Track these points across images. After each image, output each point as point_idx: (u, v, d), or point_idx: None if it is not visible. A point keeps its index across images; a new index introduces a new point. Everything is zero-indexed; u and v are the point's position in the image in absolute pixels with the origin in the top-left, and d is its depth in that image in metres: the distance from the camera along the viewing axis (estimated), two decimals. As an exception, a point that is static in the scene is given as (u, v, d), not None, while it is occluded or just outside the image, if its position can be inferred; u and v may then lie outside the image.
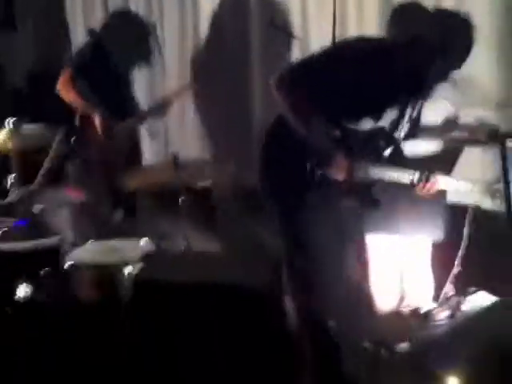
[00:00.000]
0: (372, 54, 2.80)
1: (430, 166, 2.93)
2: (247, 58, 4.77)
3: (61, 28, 5.67)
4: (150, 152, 4.97)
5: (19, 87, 5.75)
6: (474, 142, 3.51)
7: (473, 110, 3.72)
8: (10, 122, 3.41)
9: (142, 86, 4.96)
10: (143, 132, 4.65)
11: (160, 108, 4.36)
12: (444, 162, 3.38)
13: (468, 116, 3.51)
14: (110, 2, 5.29)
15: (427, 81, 2.84)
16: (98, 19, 5.17)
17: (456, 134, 3.45)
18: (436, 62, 2.75)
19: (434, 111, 3.23)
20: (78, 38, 5.37)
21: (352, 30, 4.21)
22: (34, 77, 5.83)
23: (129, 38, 4.17)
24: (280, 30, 4.36)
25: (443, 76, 2.88)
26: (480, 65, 3.41)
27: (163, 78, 5.08)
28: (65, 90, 3.99)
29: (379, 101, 2.86)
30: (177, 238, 3.33)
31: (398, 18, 3.62)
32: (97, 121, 3.99)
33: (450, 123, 3.40)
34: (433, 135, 3.30)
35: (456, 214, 3.39)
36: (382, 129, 2.93)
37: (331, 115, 2.86)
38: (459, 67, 2.85)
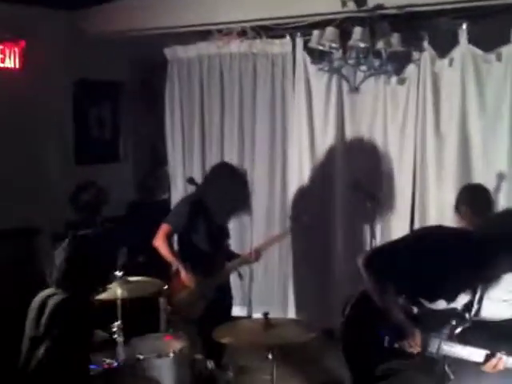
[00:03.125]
0: (449, 243, 3.16)
1: (497, 344, 3.23)
2: (331, 220, 5.24)
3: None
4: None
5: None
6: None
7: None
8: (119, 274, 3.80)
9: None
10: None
11: (248, 259, 4.62)
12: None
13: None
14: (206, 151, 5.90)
15: (496, 270, 3.15)
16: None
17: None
18: (505, 256, 3.07)
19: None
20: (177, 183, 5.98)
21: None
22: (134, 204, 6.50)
23: (228, 191, 4.43)
24: (363, 193, 4.78)
25: (510, 268, 3.19)
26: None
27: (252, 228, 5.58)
28: (160, 245, 4.43)
29: (453, 285, 3.21)
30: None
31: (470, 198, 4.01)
32: (183, 274, 4.38)
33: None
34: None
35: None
36: (454, 309, 3.27)
37: (410, 294, 3.24)
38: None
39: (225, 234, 4.69)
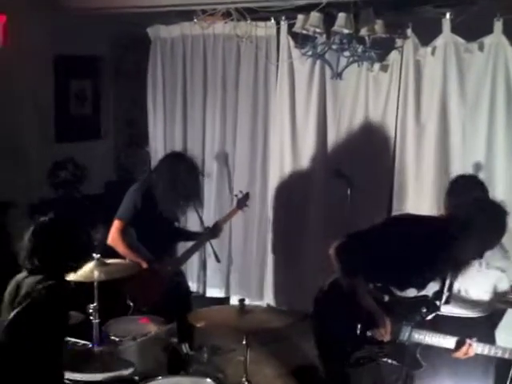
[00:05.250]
0: (417, 231, 3.20)
1: (468, 330, 3.29)
2: (311, 206, 5.31)
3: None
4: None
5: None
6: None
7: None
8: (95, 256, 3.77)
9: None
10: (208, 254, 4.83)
11: (212, 233, 4.62)
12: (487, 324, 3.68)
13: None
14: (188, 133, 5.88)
15: (463, 256, 3.17)
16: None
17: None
18: (471, 241, 3.08)
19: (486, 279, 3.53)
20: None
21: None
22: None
23: (178, 181, 4.33)
24: (344, 180, 4.80)
25: (479, 253, 3.21)
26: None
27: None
28: (115, 243, 4.35)
29: (423, 273, 3.25)
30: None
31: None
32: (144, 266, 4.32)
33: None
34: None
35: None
36: (425, 297, 3.32)
37: (381, 282, 3.28)
38: (491, 248, 3.20)
39: (176, 221, 4.64)
